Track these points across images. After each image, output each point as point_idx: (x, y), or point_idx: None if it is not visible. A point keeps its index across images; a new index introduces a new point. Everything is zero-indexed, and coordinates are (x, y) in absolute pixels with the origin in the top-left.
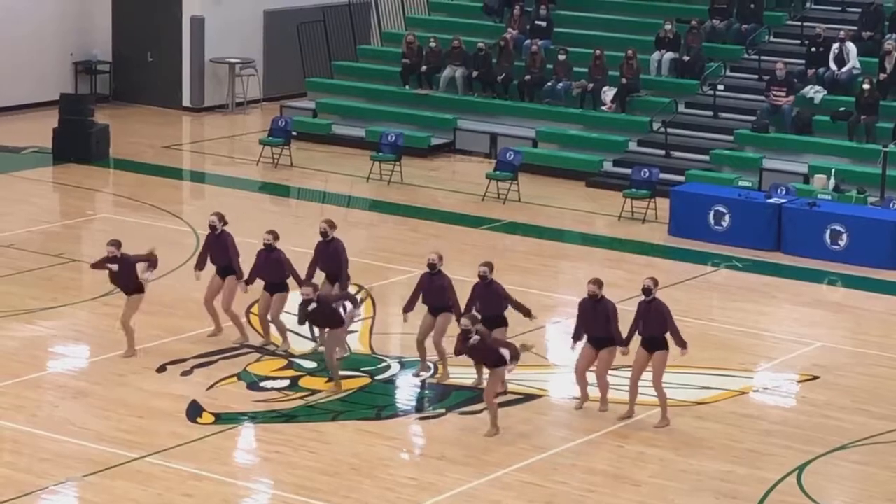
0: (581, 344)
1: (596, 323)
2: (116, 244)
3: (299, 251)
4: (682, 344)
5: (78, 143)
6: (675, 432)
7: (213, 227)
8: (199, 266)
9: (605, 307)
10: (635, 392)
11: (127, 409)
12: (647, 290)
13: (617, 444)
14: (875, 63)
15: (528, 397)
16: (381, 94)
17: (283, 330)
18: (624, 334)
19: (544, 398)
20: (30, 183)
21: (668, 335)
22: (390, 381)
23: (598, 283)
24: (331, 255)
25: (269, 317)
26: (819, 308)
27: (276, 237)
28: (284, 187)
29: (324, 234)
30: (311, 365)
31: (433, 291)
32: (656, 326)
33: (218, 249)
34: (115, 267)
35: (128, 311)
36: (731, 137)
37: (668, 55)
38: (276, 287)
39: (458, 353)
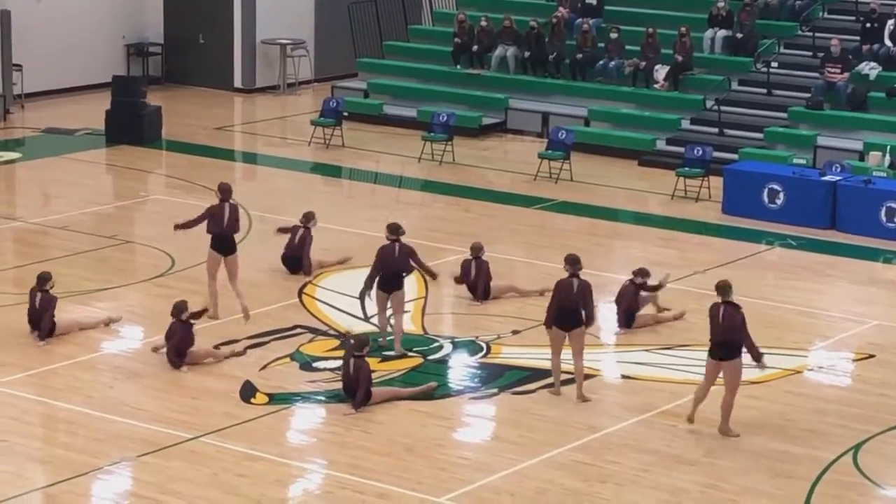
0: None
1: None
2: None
3: (353, 232)
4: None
5: (130, 124)
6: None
7: (227, 194)
8: (186, 226)
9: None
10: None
11: (181, 390)
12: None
13: (670, 424)
14: None
15: None
16: (432, 74)
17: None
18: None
19: (596, 378)
20: (83, 165)
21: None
22: (443, 362)
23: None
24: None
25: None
26: (874, 286)
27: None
28: (336, 168)
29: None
30: None
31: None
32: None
33: (228, 219)
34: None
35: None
36: (785, 115)
37: (722, 32)
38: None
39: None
